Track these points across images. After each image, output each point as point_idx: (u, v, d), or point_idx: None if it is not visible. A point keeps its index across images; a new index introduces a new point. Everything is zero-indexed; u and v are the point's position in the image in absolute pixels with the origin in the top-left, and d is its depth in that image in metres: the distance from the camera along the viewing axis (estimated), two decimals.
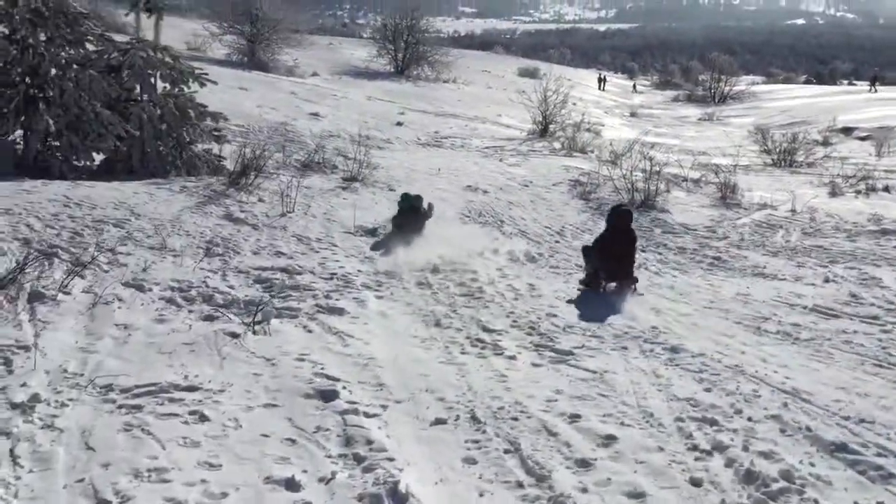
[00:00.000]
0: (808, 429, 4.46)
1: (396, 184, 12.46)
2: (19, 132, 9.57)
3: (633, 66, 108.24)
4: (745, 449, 4.18)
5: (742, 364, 5.48)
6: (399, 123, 19.97)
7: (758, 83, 63.93)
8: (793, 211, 12.30)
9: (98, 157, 10.56)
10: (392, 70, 34.81)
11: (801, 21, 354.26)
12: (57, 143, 9.61)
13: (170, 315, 5.97)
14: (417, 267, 8.18)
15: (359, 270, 7.87)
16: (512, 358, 5.50)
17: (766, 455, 4.11)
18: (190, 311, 6.12)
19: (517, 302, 7.09)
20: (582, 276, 7.96)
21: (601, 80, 58.88)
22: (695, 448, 4.18)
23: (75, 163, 9.86)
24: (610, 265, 7.52)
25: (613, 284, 7.61)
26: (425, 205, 9.90)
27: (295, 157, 13.10)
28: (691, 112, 42.00)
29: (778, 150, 19.98)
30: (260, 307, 5.92)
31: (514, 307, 6.91)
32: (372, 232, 9.49)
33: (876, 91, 44.66)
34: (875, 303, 7.27)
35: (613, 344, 5.92)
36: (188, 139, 10.83)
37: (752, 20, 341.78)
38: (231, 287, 6.84)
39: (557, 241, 10.16)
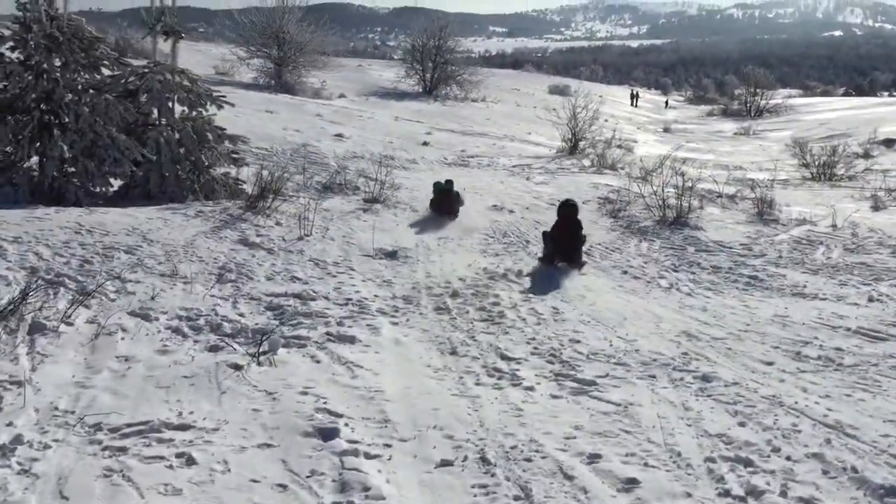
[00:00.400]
0: (854, 469, 4.03)
1: (419, 204, 12.19)
2: (35, 159, 9.47)
3: (666, 82, 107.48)
4: (784, 494, 3.77)
5: (780, 394, 5.07)
6: (425, 143, 19.77)
7: (795, 96, 62.96)
8: (833, 226, 11.79)
9: (116, 183, 10.44)
10: (420, 90, 34.74)
11: (838, 33, 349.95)
12: (73, 170, 9.49)
13: (174, 346, 5.72)
14: (437, 291, 7.89)
15: (375, 295, 7.58)
16: (530, 389, 5.15)
17: (807, 501, 3.70)
18: (196, 342, 5.86)
19: (539, 327, 6.74)
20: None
21: (633, 97, 58.37)
22: (727, 493, 3.78)
23: (92, 189, 9.73)
24: (561, 247, 9.34)
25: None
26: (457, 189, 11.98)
27: (316, 178, 12.90)
28: (726, 126, 41.32)
29: (817, 163, 19.38)
30: (265, 337, 5.63)
31: (536, 333, 6.55)
32: (392, 255, 9.20)
33: None
34: None
35: (640, 372, 5.54)
36: (207, 163, 10.66)
37: (787, 33, 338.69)
38: (241, 315, 6.59)
39: (585, 262, 9.76)
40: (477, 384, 5.22)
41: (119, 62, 9.96)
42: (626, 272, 9.33)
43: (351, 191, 12.44)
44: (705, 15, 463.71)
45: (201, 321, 6.33)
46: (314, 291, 7.43)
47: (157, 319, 6.23)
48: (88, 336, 5.71)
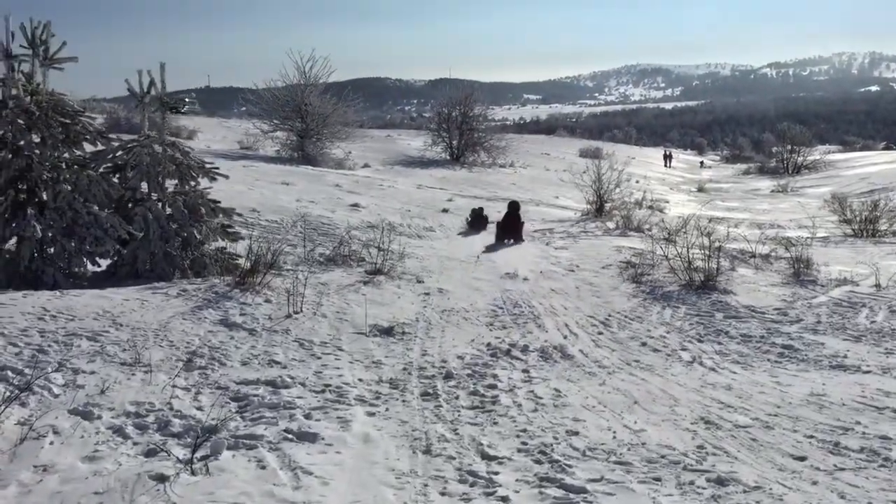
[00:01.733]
0: None
1: (427, 275, 11.48)
2: (14, 240, 9.00)
3: (701, 142, 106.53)
4: None
5: (811, 502, 4.14)
6: (445, 210, 19.18)
7: (833, 152, 61.67)
8: (877, 286, 10.80)
9: (104, 263, 9.93)
10: (447, 157, 34.45)
11: (875, 88, 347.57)
12: (52, 250, 8.99)
13: (106, 451, 4.98)
14: (429, 373, 7.10)
15: (359, 380, 6.82)
16: (503, 500, 4.29)
17: None
18: (135, 444, 5.13)
19: (535, 415, 5.89)
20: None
21: (667, 157, 57.65)
22: None
23: (71, 270, 9.21)
24: (507, 231, 15.47)
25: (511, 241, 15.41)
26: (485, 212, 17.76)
27: (319, 250, 12.29)
28: (763, 184, 40.25)
29: (858, 219, 18.33)
30: (201, 440, 4.88)
31: (530, 422, 5.70)
32: (387, 331, 8.46)
33: None
34: None
35: (643, 474, 4.64)
36: (199, 238, 10.11)
37: (823, 90, 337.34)
38: (199, 408, 5.86)
39: (601, 333, 8.91)
40: (442, 494, 4.38)
41: (102, 136, 9.54)
42: (644, 344, 8.46)
43: (355, 262, 11.78)
44: (738, 76, 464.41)
45: (150, 418, 5.62)
46: (290, 377, 6.70)
47: (99, 418, 5.53)
48: (13, 441, 5.01)
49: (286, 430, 5.38)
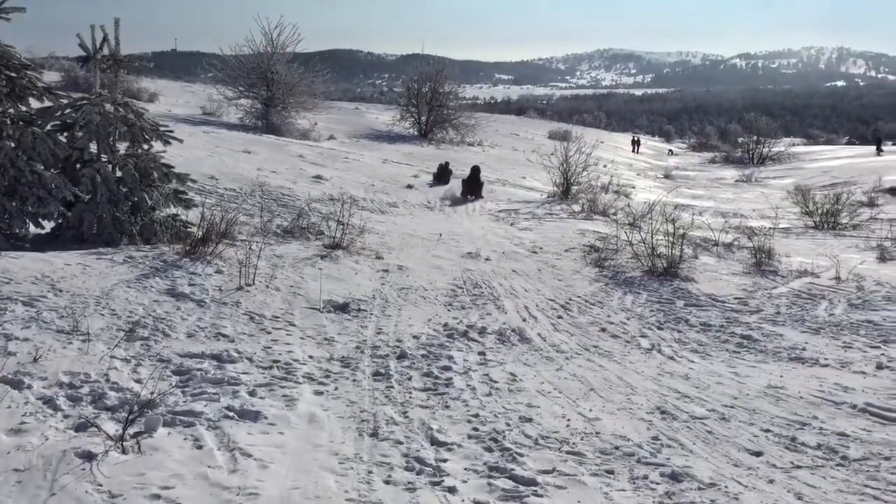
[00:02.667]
0: None
1: (387, 251, 11.23)
2: None
3: (669, 129, 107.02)
4: None
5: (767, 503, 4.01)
6: (409, 186, 18.89)
7: (798, 144, 62.37)
8: (837, 279, 10.80)
9: (48, 225, 9.51)
10: (415, 133, 34.04)
11: (841, 83, 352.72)
12: None
13: (34, 423, 4.70)
14: (383, 352, 6.88)
15: (309, 357, 6.58)
16: (449, 491, 4.09)
17: None
18: (65, 417, 4.85)
19: (488, 399, 5.70)
20: None
21: (635, 143, 57.75)
22: None
23: (12, 231, 8.79)
24: (470, 189, 18.59)
25: (473, 197, 18.67)
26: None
27: (277, 222, 11.96)
28: (728, 174, 40.51)
29: (820, 211, 18.44)
30: (134, 415, 4.61)
31: (483, 406, 5.52)
32: (342, 308, 8.20)
33: (882, 153, 43.24)
34: None
35: (596, 466, 4.48)
36: (150, 203, 9.73)
37: (790, 83, 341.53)
38: (138, 381, 5.58)
39: (560, 317, 8.76)
40: (386, 483, 4.17)
41: (50, 92, 9.08)
42: (604, 329, 8.32)
43: (314, 235, 11.48)
44: (709, 65, 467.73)
45: (84, 389, 5.33)
46: (238, 352, 6.44)
47: (29, 388, 5.22)
48: None
49: (228, 408, 5.13)
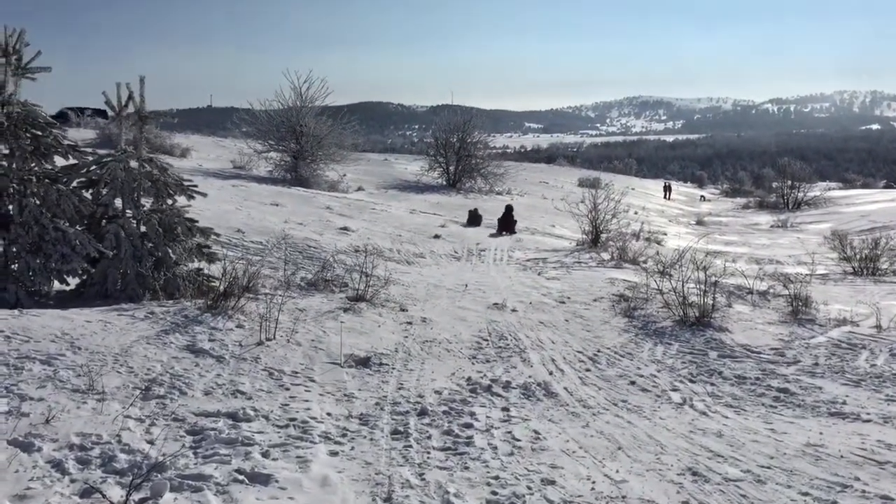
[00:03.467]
0: None
1: (412, 303, 11.08)
2: None
3: (701, 175, 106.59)
4: None
5: None
6: (437, 236, 18.81)
7: (833, 188, 61.58)
8: (878, 327, 10.42)
9: (73, 282, 9.53)
10: (443, 183, 34.16)
11: (875, 126, 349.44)
12: (15, 266, 8.60)
13: (39, 489, 4.56)
14: (403, 408, 6.69)
15: (327, 414, 6.41)
16: None
17: None
18: (72, 482, 4.71)
19: (510, 459, 5.46)
20: None
21: (666, 189, 57.48)
22: None
23: (35, 288, 8.81)
24: (503, 226, 21.01)
25: (506, 233, 21.20)
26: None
27: (302, 274, 11.89)
28: (763, 219, 40.03)
29: (858, 256, 17.98)
30: (140, 480, 4.45)
31: (504, 468, 5.28)
32: (364, 362, 8.04)
33: None
34: None
35: None
36: (174, 258, 9.72)
37: (824, 127, 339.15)
38: (151, 441, 5.43)
39: (588, 370, 8.50)
40: None
41: (75, 150, 9.17)
42: (633, 382, 8.04)
43: (338, 288, 11.38)
44: (740, 110, 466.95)
45: (95, 451, 5.19)
46: (254, 410, 6.28)
47: (39, 450, 5.10)
48: None
49: (238, 470, 4.95)
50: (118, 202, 9.67)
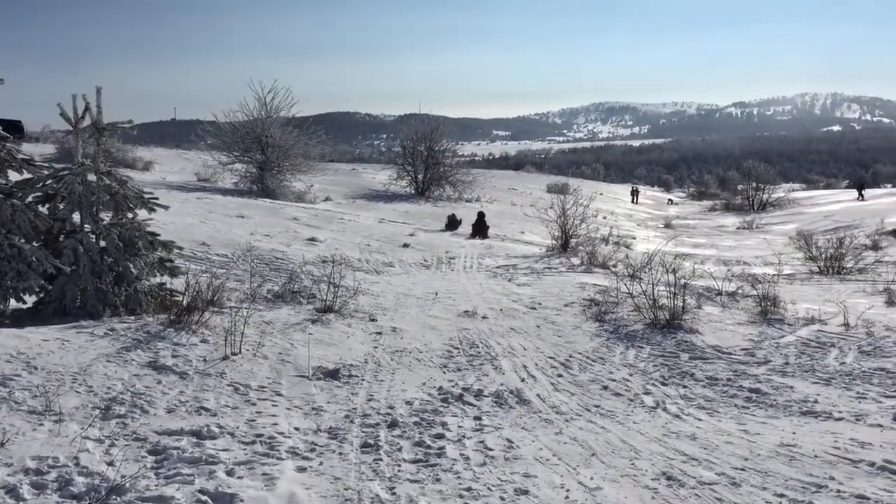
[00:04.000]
0: None
1: (381, 313, 10.94)
2: None
3: (668, 179, 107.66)
4: None
5: None
6: (406, 245, 18.68)
7: (797, 189, 62.51)
8: (846, 325, 10.49)
9: (30, 299, 9.25)
10: (412, 192, 34.04)
11: (837, 128, 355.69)
12: None
13: None
14: (373, 420, 6.55)
15: (295, 428, 6.25)
16: None
17: None
18: None
19: (482, 470, 5.35)
20: None
21: (634, 193, 57.95)
22: None
23: None
24: (476, 232, 22.52)
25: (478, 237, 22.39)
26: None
27: (268, 286, 11.69)
28: (729, 221, 40.47)
29: (824, 256, 18.18)
30: None
31: (476, 478, 5.16)
32: (333, 374, 7.88)
33: (863, 199, 43.33)
34: None
35: None
36: (135, 273, 9.48)
37: (786, 129, 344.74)
38: (110, 463, 5.24)
39: (560, 376, 8.42)
40: None
41: (29, 164, 8.92)
42: (606, 387, 7.98)
43: (306, 299, 11.19)
44: (704, 114, 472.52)
45: (51, 475, 4.99)
46: (219, 427, 6.10)
47: None
48: None
49: (202, 491, 4.79)
50: (76, 217, 9.41)
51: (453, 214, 25.71)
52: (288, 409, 6.81)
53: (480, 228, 23.59)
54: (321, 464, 5.48)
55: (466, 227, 24.48)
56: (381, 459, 5.58)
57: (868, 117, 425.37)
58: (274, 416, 6.56)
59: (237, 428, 6.15)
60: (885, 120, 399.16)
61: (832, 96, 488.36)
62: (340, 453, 5.71)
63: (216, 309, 9.44)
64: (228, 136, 27.51)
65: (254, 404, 6.84)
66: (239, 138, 27.57)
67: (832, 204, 43.67)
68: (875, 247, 22.39)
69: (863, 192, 46.30)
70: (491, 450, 5.82)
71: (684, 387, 8.00)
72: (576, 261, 17.40)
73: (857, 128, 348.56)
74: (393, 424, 6.44)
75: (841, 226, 29.57)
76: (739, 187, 56.09)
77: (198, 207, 19.86)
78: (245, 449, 5.71)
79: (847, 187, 75.73)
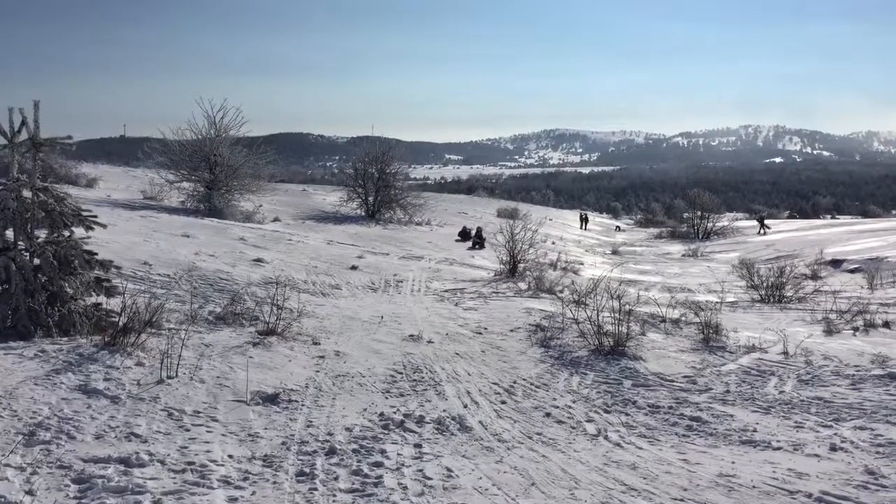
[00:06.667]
0: None
1: (325, 336, 10.76)
2: None
3: (616, 206, 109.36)
4: None
5: None
6: (354, 267, 18.51)
7: (741, 219, 63.85)
8: (785, 353, 10.68)
9: None
10: (362, 214, 33.87)
11: (779, 159, 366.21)
12: None
13: None
14: (310, 448, 6.39)
15: (229, 456, 6.06)
16: None
17: None
18: None
19: (419, 500, 5.25)
20: None
21: (583, 220, 58.56)
22: None
23: None
24: (476, 243, 27.70)
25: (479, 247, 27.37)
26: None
27: (210, 308, 11.42)
28: (675, 248, 41.05)
29: (765, 284, 18.55)
30: None
31: None
32: (272, 399, 7.69)
33: (765, 233, 44.53)
34: None
35: None
36: (70, 292, 9.17)
37: (731, 160, 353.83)
38: (30, 492, 5.00)
39: (504, 402, 8.36)
40: None
41: None
42: (549, 414, 7.94)
43: (248, 321, 10.96)
44: (652, 143, 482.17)
45: None
46: (149, 454, 5.89)
47: None
48: None
49: None
50: (9, 233, 9.08)
51: (465, 227, 31.33)
52: (223, 435, 6.61)
53: (478, 240, 28.48)
54: (253, 493, 5.32)
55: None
56: (315, 489, 5.43)
57: (809, 150, 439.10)
58: (208, 442, 6.36)
59: (168, 455, 5.94)
60: (825, 153, 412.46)
61: (774, 129, 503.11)
62: (275, 482, 5.55)
63: (154, 331, 9.18)
64: (176, 154, 27.02)
65: (188, 430, 6.63)
66: (187, 156, 27.10)
67: (774, 234, 44.67)
68: (814, 276, 22.92)
69: (765, 225, 47.49)
70: (430, 479, 5.71)
71: (626, 414, 8.01)
72: (523, 286, 17.43)
73: (798, 160, 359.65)
74: (331, 452, 6.29)
75: (782, 255, 30.23)
76: (685, 215, 57.09)
77: (142, 226, 19.42)
78: (175, 478, 5.51)
79: (789, 217, 77.67)
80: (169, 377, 7.85)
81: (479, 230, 29.69)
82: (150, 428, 6.53)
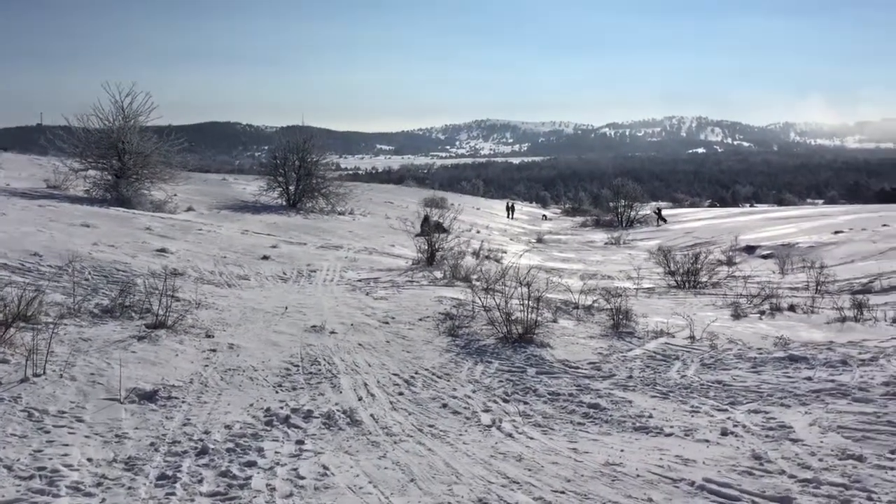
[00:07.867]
0: None
1: (222, 328, 10.25)
2: None
3: (545, 196, 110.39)
4: None
5: None
6: (265, 257, 17.91)
7: (664, 207, 65.10)
8: (692, 338, 10.63)
9: None
10: (283, 203, 33.08)
11: (701, 150, 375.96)
12: None
13: None
14: (181, 448, 5.94)
15: (88, 459, 5.57)
16: None
17: None
18: None
19: (286, 502, 4.88)
20: None
21: (509, 209, 58.77)
22: None
23: None
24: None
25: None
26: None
27: (97, 300, 10.77)
28: (598, 237, 41.50)
29: (681, 270, 18.72)
30: None
31: None
32: (149, 397, 7.19)
33: (659, 225, 45.72)
34: (786, 469, 5.32)
35: None
36: None
37: (655, 150, 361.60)
38: None
39: (401, 394, 8.03)
40: None
41: None
42: (445, 405, 7.64)
43: (138, 314, 10.35)
44: (581, 133, 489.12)
45: None
46: None
47: None
48: None
49: None
50: None
51: (426, 216, 26.21)
52: (87, 437, 6.10)
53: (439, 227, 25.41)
54: (103, 501, 4.87)
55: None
56: (174, 493, 5.00)
57: (729, 140, 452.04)
58: (67, 445, 5.86)
59: (17, 460, 5.42)
60: (745, 143, 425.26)
61: (697, 120, 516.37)
62: (130, 488, 5.10)
63: (26, 325, 8.53)
64: (81, 141, 25.75)
65: (47, 432, 6.10)
66: (93, 143, 25.86)
67: (693, 222, 45.58)
68: (729, 262, 23.32)
69: (662, 217, 48.65)
70: (302, 479, 5.34)
71: (525, 403, 7.78)
72: (439, 274, 17.14)
73: (720, 150, 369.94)
74: (202, 452, 5.87)
75: (700, 242, 30.77)
76: (611, 204, 57.89)
77: (38, 216, 18.40)
78: (19, 486, 5.01)
79: (710, 205, 79.66)
80: (35, 375, 7.27)
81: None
82: (4, 431, 5.99)
